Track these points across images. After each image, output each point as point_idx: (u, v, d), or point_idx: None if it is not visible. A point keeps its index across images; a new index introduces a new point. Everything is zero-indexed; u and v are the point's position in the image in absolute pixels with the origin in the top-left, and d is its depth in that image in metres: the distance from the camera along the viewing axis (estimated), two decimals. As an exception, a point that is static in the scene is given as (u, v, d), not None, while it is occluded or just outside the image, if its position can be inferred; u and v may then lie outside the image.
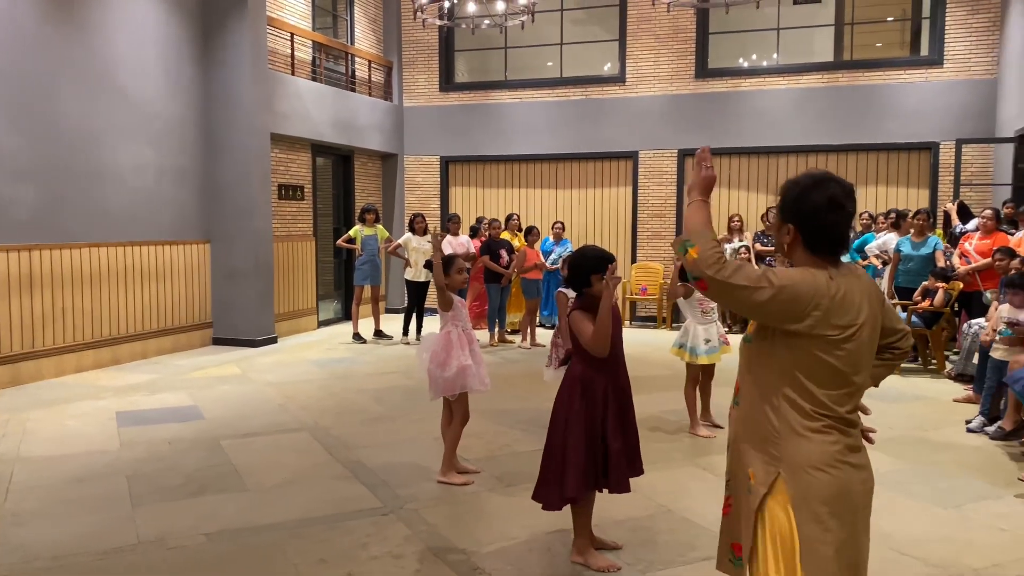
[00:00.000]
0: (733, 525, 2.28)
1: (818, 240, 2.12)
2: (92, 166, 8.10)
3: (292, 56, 10.76)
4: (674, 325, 11.35)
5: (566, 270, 3.66)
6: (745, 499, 2.18)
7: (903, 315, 8.13)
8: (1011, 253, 7.13)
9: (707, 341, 5.80)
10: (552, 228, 11.44)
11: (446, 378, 4.60)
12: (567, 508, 3.63)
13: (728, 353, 6.01)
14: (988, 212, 8.21)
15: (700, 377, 5.92)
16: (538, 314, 10.69)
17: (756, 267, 2.08)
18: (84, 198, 8.03)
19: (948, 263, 8.40)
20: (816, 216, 2.10)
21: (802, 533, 2.05)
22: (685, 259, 2.08)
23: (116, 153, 8.38)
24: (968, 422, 6.00)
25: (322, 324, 11.55)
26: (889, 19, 12.76)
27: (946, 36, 10.95)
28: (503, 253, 9.96)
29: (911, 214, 9.31)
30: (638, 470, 3.72)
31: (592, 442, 3.54)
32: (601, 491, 3.63)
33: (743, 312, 2.15)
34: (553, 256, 10.96)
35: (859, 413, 2.18)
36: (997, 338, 5.89)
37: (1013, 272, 6.52)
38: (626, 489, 3.60)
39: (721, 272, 2.02)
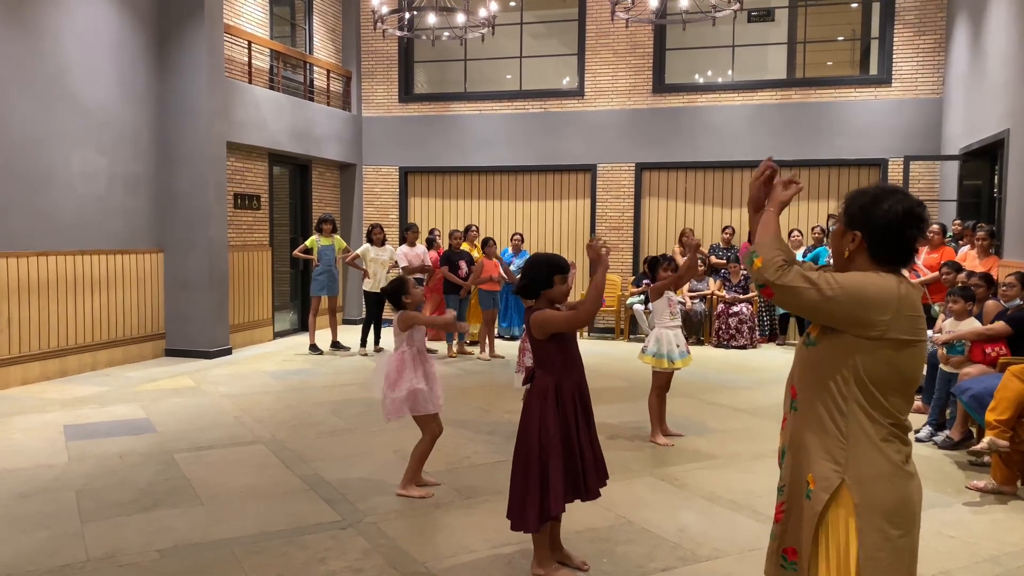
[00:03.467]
0: (787, 530, 2.24)
1: (887, 251, 2.10)
2: (40, 172, 7.90)
3: (249, 64, 10.65)
4: (631, 336, 11.45)
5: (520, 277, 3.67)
6: (804, 504, 2.15)
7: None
8: (958, 267, 7.34)
9: (678, 346, 5.89)
10: (511, 240, 11.48)
11: (394, 399, 4.57)
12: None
13: (690, 363, 6.08)
14: (935, 227, 8.45)
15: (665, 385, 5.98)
16: (496, 325, 10.69)
17: (820, 270, 2.08)
18: (31, 205, 7.82)
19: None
20: (890, 227, 2.08)
21: (864, 541, 2.04)
22: (752, 269, 2.09)
23: (66, 159, 8.19)
24: (916, 431, 6.15)
25: (278, 335, 11.40)
26: (840, 38, 13.11)
27: (894, 56, 11.28)
28: (462, 264, 9.95)
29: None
30: (605, 476, 3.73)
31: (571, 453, 3.54)
32: (583, 500, 3.64)
33: (809, 315, 2.12)
34: (512, 268, 10.98)
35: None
36: (943, 351, 6.04)
37: (959, 286, 6.71)
38: (596, 495, 3.63)
39: (783, 277, 2.03)
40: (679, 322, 5.99)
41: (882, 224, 2.08)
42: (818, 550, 2.11)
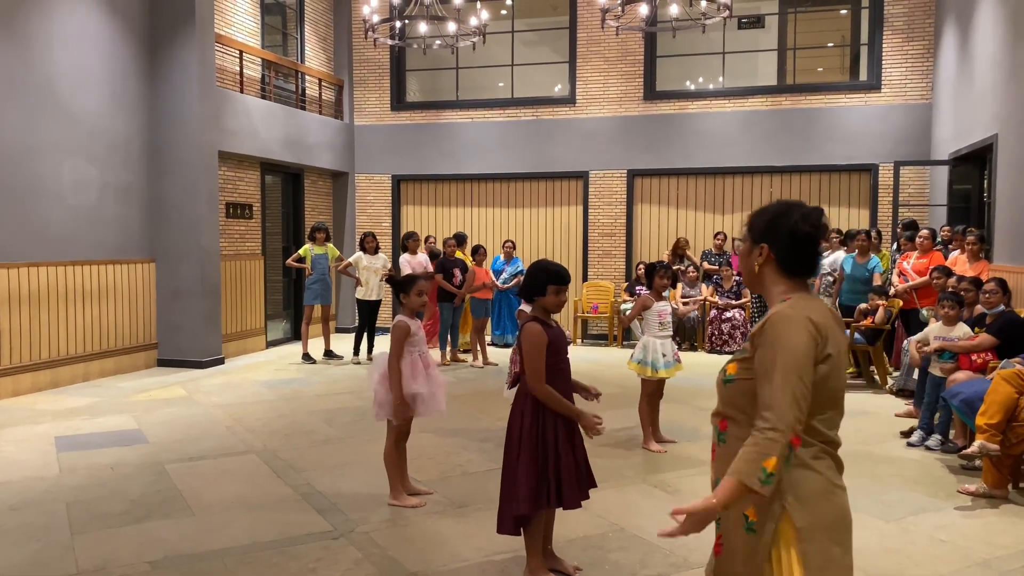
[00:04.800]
0: (727, 566, 2.18)
1: (795, 262, 2.13)
2: (30, 182, 7.88)
3: (241, 73, 10.65)
4: (625, 343, 11.46)
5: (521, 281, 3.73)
6: (746, 538, 2.10)
7: (847, 332, 8.34)
8: (947, 272, 7.38)
9: (664, 356, 5.90)
10: (503, 247, 11.48)
11: (392, 402, 4.56)
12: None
13: (680, 371, 6.10)
14: (925, 232, 8.49)
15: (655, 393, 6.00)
16: (488, 333, 10.70)
17: (786, 368, 1.98)
18: (21, 215, 7.80)
19: (888, 283, 8.67)
20: (795, 237, 2.11)
21: (810, 564, 2.02)
22: (775, 471, 1.95)
23: (56, 169, 8.17)
24: (908, 435, 6.17)
25: (271, 344, 11.38)
26: (829, 45, 13.18)
27: (883, 62, 11.35)
28: (456, 272, 9.95)
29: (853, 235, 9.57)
30: (590, 484, 3.72)
31: (544, 459, 3.54)
32: (551, 508, 3.63)
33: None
34: (504, 275, 11.00)
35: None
36: (935, 359, 6.05)
37: (950, 290, 6.74)
38: (576, 505, 3.61)
39: (797, 418, 1.96)
40: (669, 332, 5.99)
41: (787, 236, 2.11)
42: None
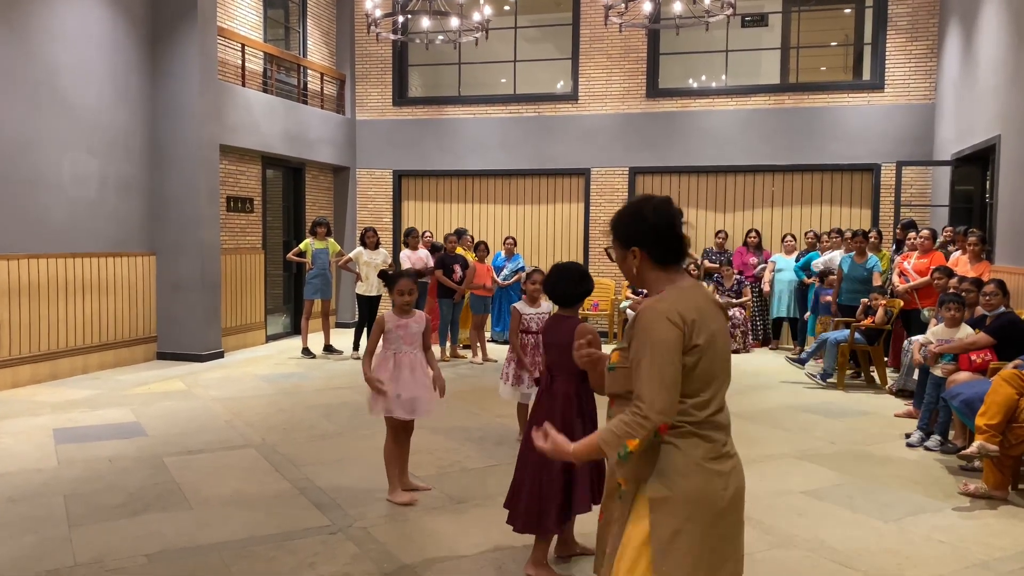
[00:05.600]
0: (605, 530, 2.39)
1: (665, 251, 2.23)
2: (31, 175, 7.87)
3: (243, 67, 10.63)
4: (625, 341, 11.44)
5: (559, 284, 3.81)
6: (618, 506, 2.28)
7: (846, 332, 8.33)
8: (949, 272, 7.36)
9: None
10: (504, 243, 11.46)
11: (369, 396, 4.61)
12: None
13: None
14: (926, 232, 8.47)
15: None
16: (488, 329, 10.68)
17: (653, 361, 2.10)
18: (22, 207, 7.79)
19: (888, 283, 8.66)
20: (655, 229, 2.22)
21: (656, 536, 2.14)
22: (635, 449, 2.11)
23: (57, 162, 8.16)
24: (908, 436, 6.16)
25: (270, 339, 11.37)
26: (833, 44, 13.15)
27: (887, 61, 11.32)
28: (456, 268, 9.93)
29: (851, 234, 9.56)
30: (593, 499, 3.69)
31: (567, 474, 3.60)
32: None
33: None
34: (505, 272, 10.98)
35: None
36: (939, 362, 6.02)
37: (951, 291, 6.73)
38: (586, 509, 3.64)
39: (668, 404, 2.09)
40: None
41: (650, 233, 2.22)
42: (626, 545, 2.19)
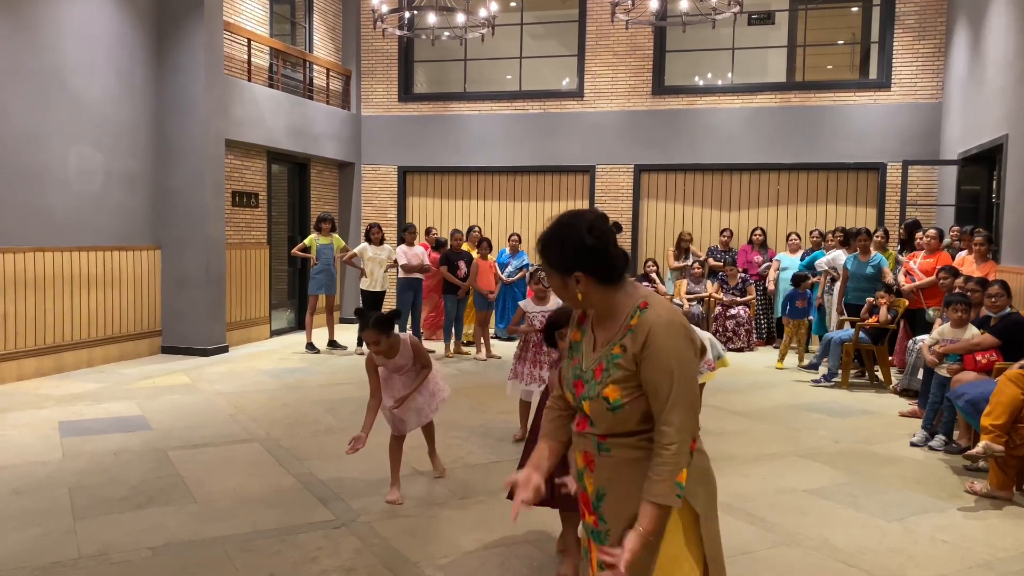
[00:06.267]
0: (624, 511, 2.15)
1: (607, 269, 2.09)
2: (37, 168, 7.89)
3: (249, 62, 10.64)
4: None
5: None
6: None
7: (850, 331, 8.32)
8: (955, 272, 7.34)
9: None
10: (508, 240, 11.46)
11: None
12: (527, 520, 3.64)
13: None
14: (932, 232, 8.44)
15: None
16: (492, 326, 10.68)
17: (682, 382, 2.00)
18: (27, 201, 7.81)
19: (894, 281, 8.64)
20: (595, 250, 2.07)
21: (710, 543, 2.13)
22: (685, 480, 2.01)
23: (63, 156, 8.18)
24: (911, 436, 6.15)
25: (275, 333, 11.39)
26: (840, 42, 13.11)
27: (894, 60, 11.29)
28: (461, 265, 9.93)
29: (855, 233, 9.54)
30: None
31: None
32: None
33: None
34: (510, 268, 10.98)
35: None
36: (945, 363, 6.00)
37: (956, 291, 6.71)
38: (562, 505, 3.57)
39: (695, 423, 2.05)
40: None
41: (589, 254, 2.07)
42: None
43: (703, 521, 2.12)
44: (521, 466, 3.74)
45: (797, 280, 9.55)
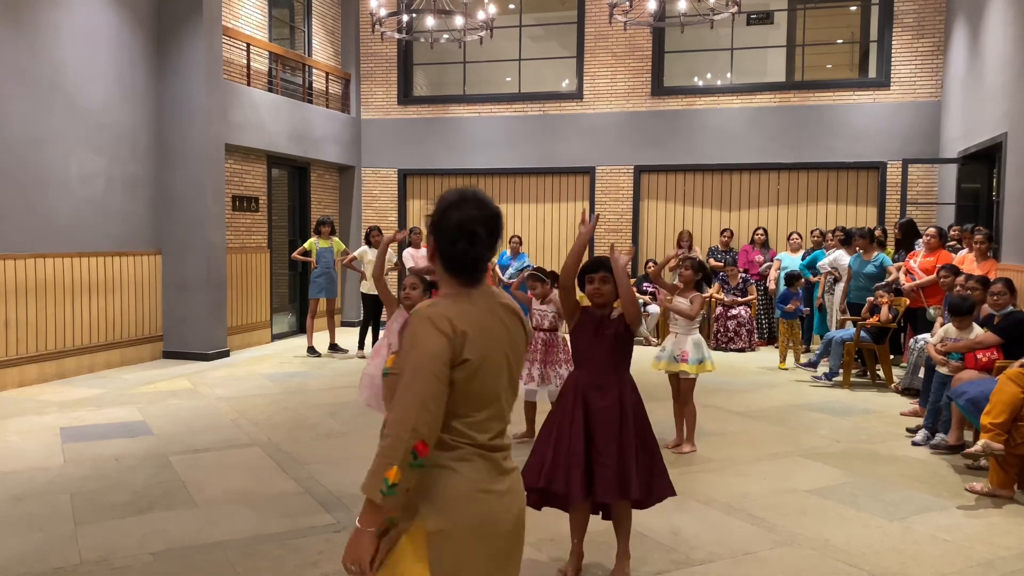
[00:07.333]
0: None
1: (451, 259, 2.01)
2: (37, 174, 7.90)
3: (248, 66, 10.65)
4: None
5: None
6: (389, 538, 2.02)
7: (852, 330, 8.31)
8: (955, 270, 7.33)
9: (663, 348, 5.86)
10: (509, 242, 11.47)
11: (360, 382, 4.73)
12: (528, 522, 3.62)
13: (663, 368, 5.94)
14: (932, 231, 8.44)
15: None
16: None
17: (411, 373, 1.89)
18: (28, 207, 7.82)
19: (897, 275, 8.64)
20: (451, 238, 1.98)
21: (438, 570, 1.94)
22: (399, 481, 1.87)
23: (63, 161, 8.19)
24: (912, 434, 6.14)
25: (276, 337, 11.39)
26: (839, 41, 13.11)
27: (893, 59, 11.28)
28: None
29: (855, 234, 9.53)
30: (624, 493, 3.51)
31: (545, 443, 3.56)
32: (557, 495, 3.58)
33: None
34: (511, 270, 10.99)
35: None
36: (947, 361, 5.98)
37: (958, 289, 6.70)
38: (572, 500, 3.54)
39: (422, 421, 1.88)
40: (679, 328, 5.78)
41: (445, 235, 2.00)
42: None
43: (430, 549, 1.94)
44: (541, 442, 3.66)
45: (790, 279, 9.53)
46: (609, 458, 3.48)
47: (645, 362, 5.73)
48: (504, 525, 2.01)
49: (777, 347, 11.10)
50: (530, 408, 6.03)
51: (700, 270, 5.79)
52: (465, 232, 1.98)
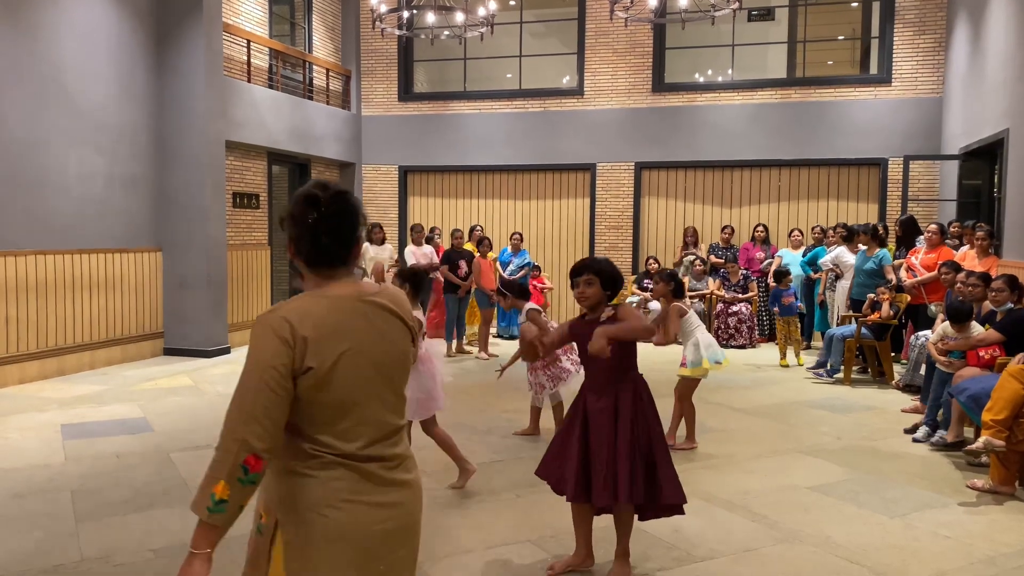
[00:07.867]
0: (249, 568, 2.02)
1: (305, 257, 1.91)
2: (37, 173, 7.89)
3: (248, 63, 10.64)
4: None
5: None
6: (256, 539, 1.97)
7: (852, 327, 8.30)
8: (956, 267, 7.32)
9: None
10: (510, 239, 11.46)
11: None
12: (529, 520, 3.65)
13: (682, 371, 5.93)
14: (933, 227, 8.43)
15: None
16: (495, 324, 10.68)
17: (242, 381, 1.82)
18: (29, 205, 7.81)
19: (895, 276, 8.63)
20: (301, 231, 1.89)
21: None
22: (229, 497, 1.77)
23: (63, 159, 8.18)
24: (913, 431, 6.13)
25: (277, 334, 11.37)
26: (840, 38, 13.09)
27: (894, 55, 11.26)
28: (462, 264, 9.93)
29: (857, 231, 9.52)
30: (614, 495, 3.48)
31: (555, 444, 3.72)
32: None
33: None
34: (512, 267, 10.98)
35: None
36: (949, 362, 5.97)
37: (958, 286, 6.69)
38: (574, 498, 3.57)
39: (252, 434, 1.78)
40: (688, 328, 5.71)
41: (298, 228, 1.90)
42: None
43: (287, 560, 1.87)
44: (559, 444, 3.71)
45: (778, 276, 9.48)
46: (600, 460, 3.48)
47: (649, 361, 5.71)
48: (374, 537, 1.89)
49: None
50: (535, 412, 6.06)
51: (671, 279, 5.64)
52: (316, 223, 1.87)
